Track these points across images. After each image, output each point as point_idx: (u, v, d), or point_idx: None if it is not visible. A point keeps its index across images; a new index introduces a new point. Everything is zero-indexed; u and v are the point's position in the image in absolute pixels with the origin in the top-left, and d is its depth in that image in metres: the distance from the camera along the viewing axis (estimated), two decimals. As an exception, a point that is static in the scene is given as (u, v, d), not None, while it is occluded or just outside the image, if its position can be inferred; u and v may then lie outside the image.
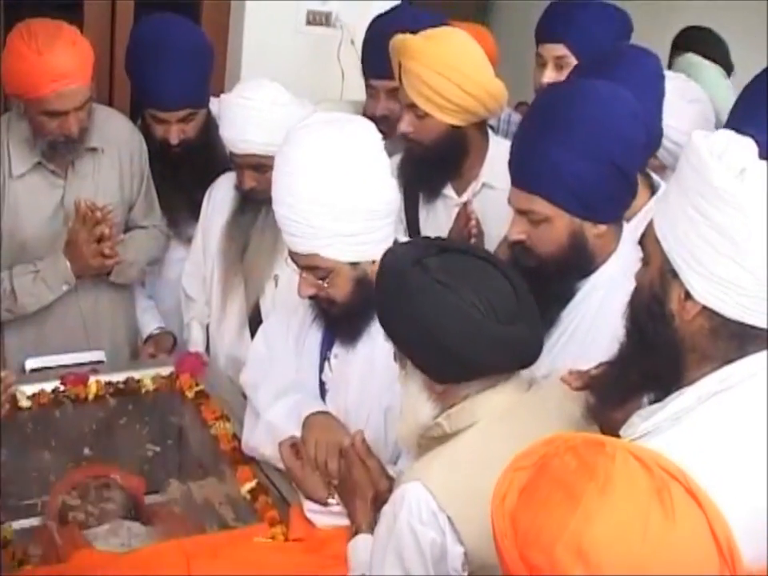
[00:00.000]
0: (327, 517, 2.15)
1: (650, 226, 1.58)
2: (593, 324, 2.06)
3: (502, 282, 1.75)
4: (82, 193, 2.85)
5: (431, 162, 2.68)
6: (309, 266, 2.14)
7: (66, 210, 2.88)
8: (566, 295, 2.11)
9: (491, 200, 2.68)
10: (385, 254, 1.85)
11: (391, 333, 1.81)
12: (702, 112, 2.65)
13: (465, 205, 2.65)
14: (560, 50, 3.06)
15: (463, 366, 1.71)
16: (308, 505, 2.17)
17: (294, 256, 2.17)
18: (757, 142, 1.51)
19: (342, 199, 2.05)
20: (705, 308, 1.47)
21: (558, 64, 3.07)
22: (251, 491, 2.31)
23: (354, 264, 2.11)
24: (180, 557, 2.06)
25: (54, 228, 2.89)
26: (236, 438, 2.45)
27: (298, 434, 2.21)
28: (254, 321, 2.80)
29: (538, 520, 1.17)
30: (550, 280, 2.07)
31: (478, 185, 2.72)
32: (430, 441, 1.77)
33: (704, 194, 1.43)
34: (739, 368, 1.48)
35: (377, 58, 2.81)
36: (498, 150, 2.71)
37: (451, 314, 1.67)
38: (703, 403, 1.48)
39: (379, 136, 2.16)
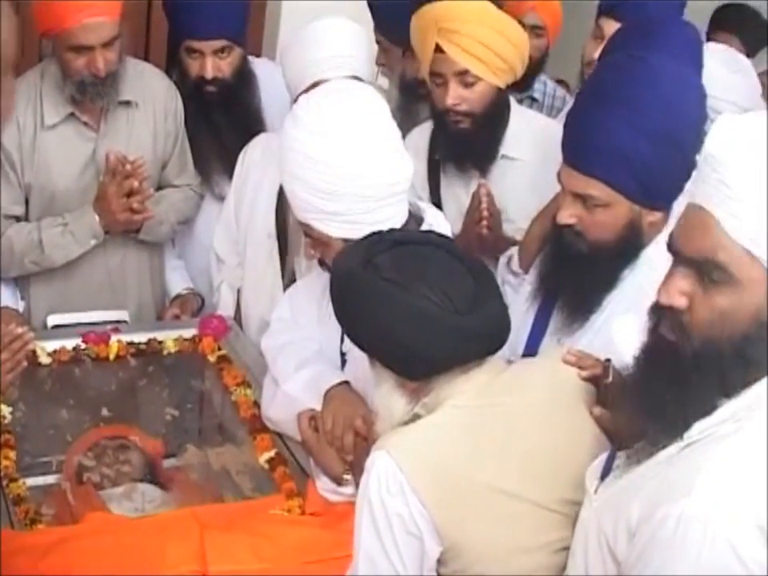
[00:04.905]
0: (340, 496, 2.10)
1: None
2: (629, 307, 1.96)
3: (459, 270, 1.72)
4: (114, 146, 2.79)
5: (481, 132, 2.58)
6: (306, 232, 2.10)
7: (97, 163, 2.82)
8: (612, 282, 2.02)
9: (509, 171, 2.62)
10: (336, 257, 1.83)
11: (352, 336, 1.79)
12: (747, 83, 2.61)
13: (479, 185, 2.55)
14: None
15: (429, 363, 1.67)
16: (321, 484, 2.11)
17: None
18: None
19: (323, 180, 1.97)
20: None
21: None
22: (269, 461, 2.27)
23: (346, 240, 2.00)
24: (193, 525, 2.01)
25: (84, 182, 2.84)
26: (257, 405, 2.39)
27: (317, 406, 2.15)
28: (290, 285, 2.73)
29: None
30: (599, 266, 1.98)
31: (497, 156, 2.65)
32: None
33: None
34: None
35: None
36: (520, 120, 2.66)
37: (405, 313, 1.64)
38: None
39: (387, 112, 2.06)
